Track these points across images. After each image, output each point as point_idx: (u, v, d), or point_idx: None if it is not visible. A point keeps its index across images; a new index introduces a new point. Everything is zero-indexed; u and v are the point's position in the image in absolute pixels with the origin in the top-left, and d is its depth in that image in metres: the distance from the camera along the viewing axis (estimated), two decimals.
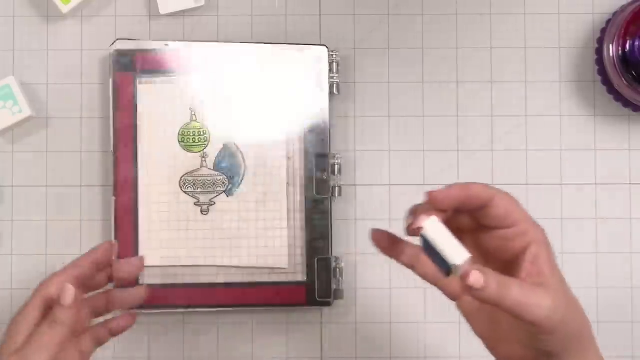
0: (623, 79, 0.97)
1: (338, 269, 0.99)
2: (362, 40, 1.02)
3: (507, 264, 0.77)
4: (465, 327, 0.99)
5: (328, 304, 0.99)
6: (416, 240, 0.75)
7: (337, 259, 0.99)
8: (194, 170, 1.00)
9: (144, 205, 1.00)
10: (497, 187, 0.99)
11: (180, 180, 1.00)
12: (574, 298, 0.78)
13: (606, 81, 1.00)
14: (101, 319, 0.92)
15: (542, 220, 0.99)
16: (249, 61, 1.00)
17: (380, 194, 1.01)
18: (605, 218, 1.01)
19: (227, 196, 1.00)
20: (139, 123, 1.00)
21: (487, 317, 0.81)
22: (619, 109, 1.01)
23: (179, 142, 1.00)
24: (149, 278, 1.00)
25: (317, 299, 0.99)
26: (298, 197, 1.00)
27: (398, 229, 1.00)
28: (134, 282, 0.97)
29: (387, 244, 0.80)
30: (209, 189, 1.00)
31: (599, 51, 1.00)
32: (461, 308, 0.82)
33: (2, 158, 1.01)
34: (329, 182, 0.99)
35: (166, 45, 0.99)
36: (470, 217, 0.78)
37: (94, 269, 0.91)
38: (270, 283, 0.99)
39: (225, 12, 1.02)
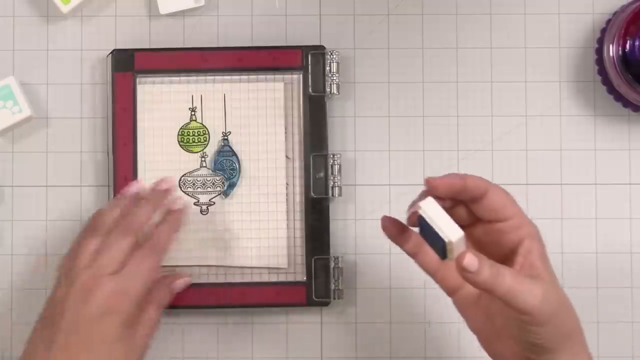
0: (623, 79, 0.97)
1: (338, 269, 0.99)
2: (362, 40, 1.02)
3: (501, 259, 0.79)
4: (466, 327, 0.99)
5: (327, 303, 0.99)
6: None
7: (336, 259, 0.99)
8: (194, 170, 1.00)
9: None
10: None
11: (180, 180, 1.00)
12: (565, 296, 0.80)
13: (606, 81, 1.00)
14: None
15: (542, 220, 0.99)
16: (248, 62, 1.00)
17: (380, 194, 1.01)
18: (605, 218, 1.01)
19: (227, 196, 1.00)
20: (138, 123, 1.00)
21: (482, 312, 0.82)
22: (619, 109, 1.01)
23: (179, 142, 1.00)
24: None
25: (317, 298, 0.99)
26: (298, 197, 1.00)
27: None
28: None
29: (395, 231, 0.83)
30: (209, 189, 1.00)
31: (599, 51, 1.00)
32: (457, 303, 0.84)
33: (2, 158, 1.01)
34: (328, 182, 0.99)
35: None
36: (467, 211, 0.81)
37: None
38: (270, 283, 0.99)
39: (225, 12, 1.02)
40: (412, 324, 1.00)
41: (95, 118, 1.02)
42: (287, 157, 1.00)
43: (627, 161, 1.01)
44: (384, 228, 0.83)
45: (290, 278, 1.00)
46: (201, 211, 1.00)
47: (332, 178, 1.00)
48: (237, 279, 1.00)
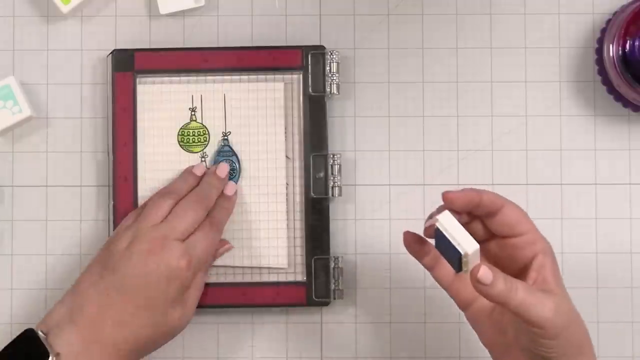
0: (623, 79, 0.97)
1: (338, 269, 0.99)
2: (362, 40, 1.02)
3: (515, 274, 0.81)
4: (465, 327, 0.99)
5: (327, 303, 0.99)
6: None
7: (336, 259, 0.99)
8: None
9: None
10: (497, 187, 1.01)
11: None
12: (576, 310, 0.82)
13: (606, 81, 1.00)
14: None
15: (542, 220, 0.99)
16: (248, 62, 1.00)
17: (380, 194, 1.01)
18: (605, 218, 1.01)
19: None
20: (138, 123, 1.00)
21: (494, 326, 0.84)
22: (619, 109, 1.01)
23: (179, 142, 1.00)
24: None
25: (317, 298, 0.99)
26: (298, 197, 1.00)
27: (398, 229, 1.00)
28: None
29: (416, 245, 0.86)
30: None
31: (599, 51, 1.00)
32: (470, 317, 0.86)
33: (2, 158, 1.01)
34: (328, 182, 0.99)
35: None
36: (482, 226, 0.84)
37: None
38: (270, 283, 0.99)
39: (225, 12, 1.02)
40: (412, 324, 1.00)
41: (95, 118, 1.02)
42: (287, 157, 1.00)
43: (627, 161, 1.01)
44: (406, 242, 0.86)
45: (290, 278, 1.00)
46: None
47: (332, 178, 0.99)
48: (237, 279, 1.00)
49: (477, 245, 0.78)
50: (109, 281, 0.89)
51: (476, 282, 0.77)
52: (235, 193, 0.98)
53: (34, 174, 1.01)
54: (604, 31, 1.00)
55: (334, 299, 0.99)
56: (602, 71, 1.00)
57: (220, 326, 1.01)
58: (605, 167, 1.01)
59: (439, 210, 0.82)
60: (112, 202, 0.99)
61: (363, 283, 1.01)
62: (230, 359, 1.01)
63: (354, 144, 1.01)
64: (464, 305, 0.86)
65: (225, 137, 1.00)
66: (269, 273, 1.00)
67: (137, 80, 1.00)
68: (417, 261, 0.98)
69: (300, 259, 1.00)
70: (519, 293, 0.77)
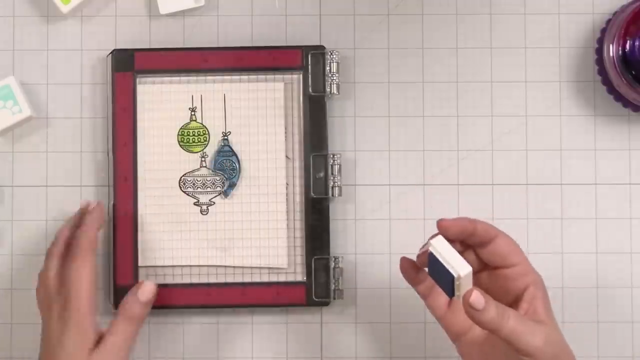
0: (623, 79, 0.97)
1: (338, 269, 0.99)
2: (362, 40, 1.02)
3: (507, 304, 0.81)
4: None
5: (327, 303, 0.99)
6: None
7: (336, 259, 0.99)
8: (194, 170, 1.00)
9: (143, 205, 1.00)
10: (497, 187, 1.01)
11: (180, 180, 1.00)
12: (566, 342, 0.85)
13: (606, 81, 1.00)
14: None
15: (542, 220, 1.00)
16: (248, 62, 1.00)
17: (380, 194, 1.01)
18: (605, 218, 1.01)
19: (227, 196, 1.00)
20: (138, 123, 1.00)
21: (485, 358, 0.84)
22: (619, 109, 1.01)
23: (179, 142, 1.00)
24: (148, 278, 1.00)
25: (317, 299, 0.99)
26: (298, 197, 1.00)
27: (398, 229, 1.01)
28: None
29: (412, 272, 0.87)
30: (209, 189, 1.00)
31: (599, 51, 1.00)
32: (460, 348, 0.88)
33: (2, 158, 1.01)
34: (328, 182, 0.99)
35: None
36: (476, 257, 0.85)
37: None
38: (270, 283, 0.99)
39: (225, 12, 1.02)
40: (412, 324, 1.00)
41: (95, 118, 1.02)
42: (287, 157, 1.00)
43: (627, 161, 1.01)
44: (402, 269, 0.87)
45: (290, 278, 1.00)
46: (201, 211, 1.00)
47: (332, 178, 1.00)
48: (237, 279, 1.00)
49: (469, 268, 0.79)
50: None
51: (468, 307, 0.78)
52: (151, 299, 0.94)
53: (34, 174, 1.01)
54: (604, 31, 1.00)
55: (334, 299, 0.99)
56: (602, 71, 1.00)
57: (220, 326, 1.01)
58: (605, 167, 1.01)
59: (433, 237, 0.83)
60: (112, 202, 0.99)
61: (363, 283, 1.01)
62: (230, 358, 1.01)
63: (354, 144, 1.01)
64: (455, 337, 0.87)
65: (225, 137, 1.00)
66: (269, 273, 1.00)
67: (137, 80, 1.00)
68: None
69: (300, 259, 1.00)
70: (510, 321, 0.78)
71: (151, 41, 1.02)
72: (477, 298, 0.78)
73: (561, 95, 1.01)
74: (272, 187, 1.00)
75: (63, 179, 1.01)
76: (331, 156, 1.00)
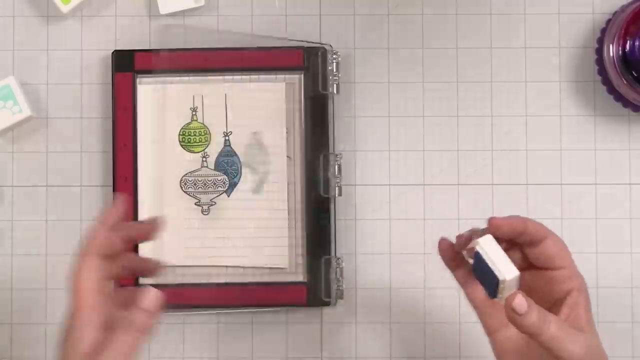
0: (623, 79, 0.97)
1: (338, 269, 0.99)
2: (362, 40, 1.02)
3: (547, 307, 0.79)
4: (465, 327, 0.99)
5: (327, 303, 0.99)
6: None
7: (337, 259, 0.99)
8: (195, 170, 1.00)
9: (144, 205, 1.00)
10: (497, 187, 1.01)
11: (181, 180, 1.00)
12: (604, 352, 0.81)
13: (606, 81, 1.00)
14: None
15: (542, 220, 0.99)
16: (249, 61, 1.00)
17: (380, 194, 1.01)
18: (606, 218, 1.01)
19: (228, 196, 1.00)
20: (139, 123, 1.00)
21: (520, 357, 0.83)
22: (619, 109, 1.01)
23: (180, 142, 1.00)
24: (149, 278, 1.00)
25: (317, 299, 0.99)
26: (298, 197, 1.00)
27: (398, 229, 1.01)
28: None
29: (449, 255, 0.84)
30: (210, 189, 1.00)
31: (599, 51, 1.00)
32: (495, 344, 0.85)
33: (2, 158, 1.01)
34: (329, 182, 0.99)
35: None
36: (521, 255, 0.82)
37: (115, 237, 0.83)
38: (270, 283, 0.99)
39: (225, 12, 1.02)
40: (412, 324, 1.01)
41: (95, 118, 1.02)
42: (288, 157, 1.00)
43: (627, 161, 1.01)
44: (441, 251, 0.84)
45: (290, 278, 1.00)
46: (202, 211, 1.00)
47: (332, 178, 1.00)
48: (237, 279, 1.00)
49: (517, 273, 0.78)
50: None
51: (510, 311, 0.77)
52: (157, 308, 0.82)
53: (34, 174, 1.01)
54: (604, 31, 1.00)
55: (334, 299, 0.99)
56: (602, 71, 1.00)
57: (220, 326, 1.01)
58: (605, 167, 1.01)
59: (482, 233, 0.81)
60: (112, 202, 0.99)
61: (363, 283, 1.01)
62: (230, 359, 1.01)
63: (354, 144, 1.01)
64: (491, 331, 0.85)
65: (227, 137, 1.00)
66: (269, 273, 1.00)
67: (137, 80, 1.00)
68: (416, 261, 0.98)
69: (300, 259, 1.00)
70: (552, 327, 0.77)
71: (151, 41, 1.02)
72: (521, 302, 0.76)
73: (561, 95, 1.02)
74: (273, 187, 1.00)
75: (63, 179, 1.01)
76: (332, 156, 1.00)
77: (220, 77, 1.00)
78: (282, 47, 1.00)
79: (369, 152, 1.01)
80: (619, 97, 1.00)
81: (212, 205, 1.00)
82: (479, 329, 1.00)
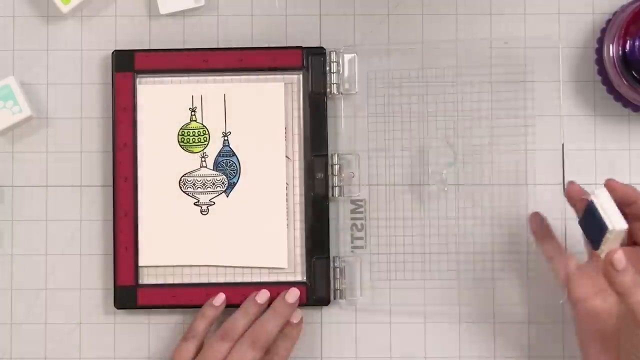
0: (623, 79, 0.97)
1: (338, 269, 0.99)
2: (362, 40, 1.02)
3: None
4: (465, 327, 0.99)
5: (328, 303, 0.99)
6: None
7: (336, 258, 0.99)
8: (194, 171, 1.00)
9: (144, 205, 1.00)
10: (497, 187, 1.00)
11: (180, 180, 1.00)
12: None
13: (606, 81, 1.00)
14: None
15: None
16: (249, 62, 1.00)
17: (380, 194, 1.01)
18: None
19: (227, 196, 1.00)
20: (138, 123, 1.00)
21: (599, 326, 0.87)
22: (619, 109, 1.01)
23: (179, 142, 1.00)
24: (149, 278, 1.00)
25: (317, 298, 0.99)
26: (298, 197, 1.00)
27: (397, 230, 1.00)
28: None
29: (539, 228, 0.94)
30: (209, 189, 1.00)
31: (599, 51, 1.00)
32: (575, 313, 0.89)
33: (2, 158, 1.01)
34: (328, 182, 0.99)
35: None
36: (629, 232, 0.87)
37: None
38: (270, 283, 0.99)
39: (225, 12, 1.02)
40: (412, 324, 1.00)
41: (95, 118, 1.02)
42: (287, 157, 1.00)
43: (627, 161, 1.01)
44: (531, 223, 0.94)
45: (290, 278, 1.00)
46: (201, 211, 1.00)
47: (332, 178, 1.00)
48: (237, 278, 1.00)
49: (625, 226, 0.81)
50: None
51: (609, 264, 0.79)
52: (302, 320, 0.98)
53: (34, 174, 1.01)
54: (604, 31, 1.00)
55: (334, 299, 0.99)
56: (602, 71, 1.00)
57: (220, 326, 1.01)
58: (605, 167, 1.01)
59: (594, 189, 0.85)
60: (112, 202, 0.99)
61: (363, 283, 1.01)
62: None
63: (354, 144, 1.01)
64: (575, 301, 0.89)
65: (226, 137, 1.00)
66: (269, 273, 1.00)
67: (137, 80, 1.00)
68: (416, 261, 0.98)
69: (300, 259, 1.00)
70: None
71: (151, 41, 1.02)
72: (620, 257, 0.79)
73: (561, 95, 1.01)
74: (272, 187, 1.00)
75: (63, 179, 1.01)
76: (331, 156, 1.00)
77: (220, 77, 1.00)
78: (281, 47, 1.00)
79: (369, 152, 1.01)
80: (619, 97, 0.99)
81: (211, 205, 1.00)
82: (479, 329, 1.01)
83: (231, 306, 0.99)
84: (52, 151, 1.01)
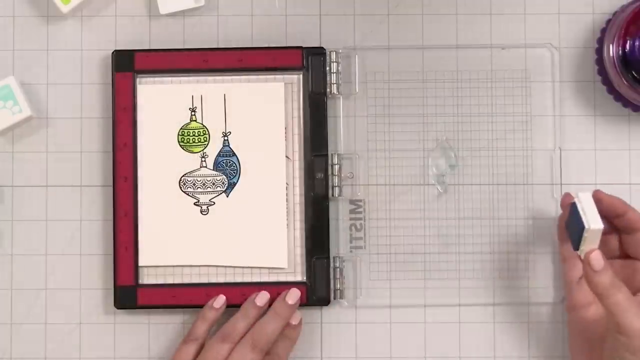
0: (623, 79, 0.97)
1: (338, 269, 0.99)
2: (362, 40, 1.02)
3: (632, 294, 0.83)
4: (465, 327, 0.99)
5: (327, 303, 0.99)
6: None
7: (336, 258, 0.99)
8: (194, 171, 1.00)
9: (144, 205, 1.00)
10: (497, 187, 1.00)
11: (180, 180, 1.00)
12: None
13: (606, 81, 1.00)
14: None
15: (542, 220, 0.99)
16: (249, 62, 1.00)
17: (380, 194, 1.01)
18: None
19: (227, 196, 1.00)
20: (138, 123, 1.00)
21: (588, 337, 0.88)
22: (619, 109, 1.01)
23: (179, 142, 1.00)
24: (149, 278, 1.00)
25: (317, 298, 0.99)
26: (298, 197, 1.00)
27: (398, 229, 1.00)
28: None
29: (562, 232, 0.93)
30: (209, 189, 1.00)
31: (599, 51, 1.00)
32: (569, 319, 0.91)
33: (2, 158, 1.01)
34: (328, 182, 0.99)
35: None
36: (618, 244, 0.90)
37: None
38: (270, 283, 0.99)
39: (225, 12, 1.02)
40: (412, 324, 1.00)
41: (95, 118, 1.02)
42: (287, 157, 1.00)
43: (627, 161, 1.01)
44: (560, 220, 0.93)
45: (290, 278, 1.00)
46: (201, 211, 1.00)
47: (332, 178, 1.00)
48: (237, 278, 1.00)
49: (601, 226, 0.82)
50: None
51: (587, 265, 0.80)
52: (301, 321, 0.98)
53: (34, 174, 1.01)
54: (604, 31, 1.00)
55: (334, 299, 0.99)
56: (602, 71, 1.00)
57: (220, 326, 1.01)
58: (605, 167, 1.01)
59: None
60: (112, 202, 0.99)
61: (363, 283, 1.01)
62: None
63: (354, 144, 1.01)
64: (571, 307, 0.90)
65: (226, 137, 1.00)
66: (269, 273, 1.00)
67: (137, 80, 1.00)
68: (416, 261, 0.98)
69: (300, 259, 1.00)
70: (620, 295, 0.80)
71: (151, 41, 1.02)
72: (597, 258, 0.80)
73: (561, 95, 1.01)
74: (272, 187, 1.00)
75: (63, 179, 1.01)
76: (331, 156, 1.00)
77: (220, 77, 1.00)
78: (281, 47, 1.00)
79: (369, 152, 1.01)
80: (619, 97, 0.99)
81: (211, 205, 1.00)
82: (479, 329, 1.01)
83: (231, 306, 0.99)
84: (52, 151, 1.01)
